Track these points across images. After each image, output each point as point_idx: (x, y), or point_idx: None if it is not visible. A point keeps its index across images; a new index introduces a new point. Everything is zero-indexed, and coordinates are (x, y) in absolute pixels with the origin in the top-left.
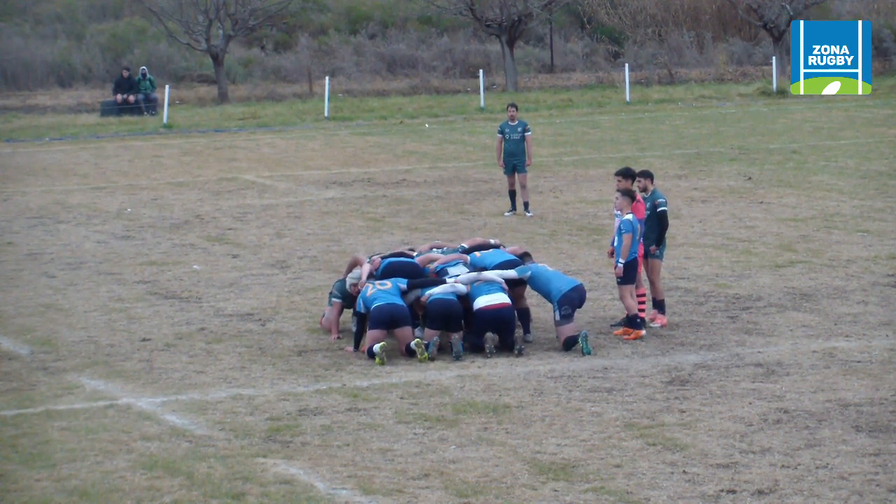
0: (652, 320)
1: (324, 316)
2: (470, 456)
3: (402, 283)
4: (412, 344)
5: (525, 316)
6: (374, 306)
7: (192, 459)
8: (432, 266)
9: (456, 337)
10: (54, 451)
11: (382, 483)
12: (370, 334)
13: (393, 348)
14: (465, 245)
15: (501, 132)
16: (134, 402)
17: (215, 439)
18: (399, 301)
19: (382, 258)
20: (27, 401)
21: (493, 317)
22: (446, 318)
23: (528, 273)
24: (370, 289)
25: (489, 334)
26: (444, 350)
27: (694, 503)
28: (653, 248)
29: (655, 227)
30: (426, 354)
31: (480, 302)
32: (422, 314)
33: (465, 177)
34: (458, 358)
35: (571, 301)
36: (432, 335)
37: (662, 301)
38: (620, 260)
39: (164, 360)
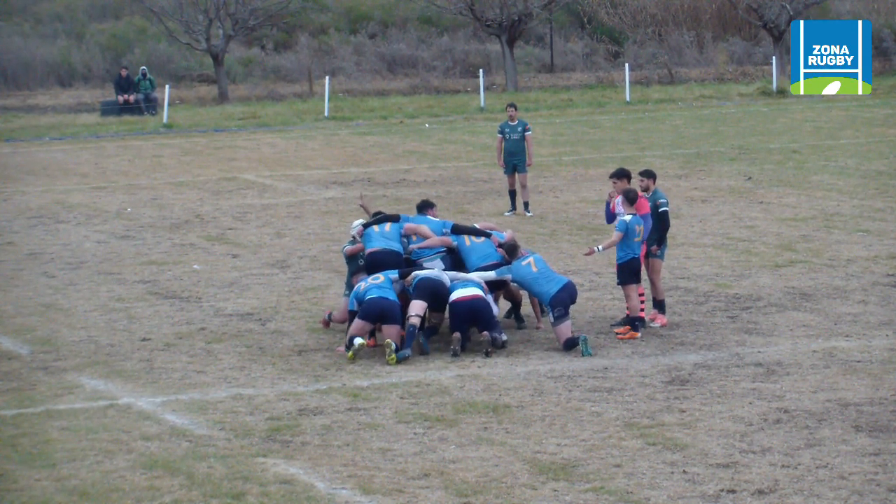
0: (652, 320)
1: (331, 312)
2: (470, 456)
3: (394, 274)
4: (385, 342)
5: (516, 307)
6: (366, 298)
7: (192, 459)
8: (415, 240)
9: (457, 338)
10: (54, 451)
11: (382, 483)
12: (356, 324)
13: (373, 350)
14: (478, 227)
15: (501, 132)
16: (134, 402)
17: (215, 439)
18: (391, 296)
19: (364, 225)
20: (27, 401)
21: (465, 307)
22: (434, 293)
23: (508, 276)
24: (363, 285)
25: (455, 335)
26: (443, 350)
27: (694, 503)
28: (654, 247)
29: (656, 226)
30: (394, 357)
31: (454, 296)
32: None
33: (465, 177)
34: (455, 355)
35: (563, 301)
36: (421, 307)
37: (662, 301)
38: (599, 247)
39: (164, 359)
